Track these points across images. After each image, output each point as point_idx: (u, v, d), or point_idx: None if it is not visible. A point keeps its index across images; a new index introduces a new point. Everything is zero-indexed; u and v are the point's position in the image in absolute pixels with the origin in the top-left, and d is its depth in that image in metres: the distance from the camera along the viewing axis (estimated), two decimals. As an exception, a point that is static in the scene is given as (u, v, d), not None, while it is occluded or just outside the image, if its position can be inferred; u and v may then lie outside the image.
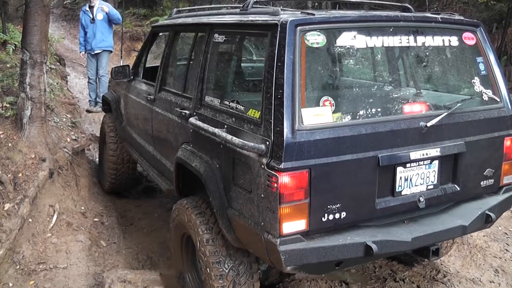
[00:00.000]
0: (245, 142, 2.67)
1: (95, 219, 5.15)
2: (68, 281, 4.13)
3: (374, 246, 2.65)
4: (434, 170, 3.02)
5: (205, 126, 3.11)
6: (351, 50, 2.94)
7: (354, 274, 4.19)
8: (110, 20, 8.07)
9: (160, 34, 5.00)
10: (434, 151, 2.95)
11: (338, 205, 2.66)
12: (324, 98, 2.65)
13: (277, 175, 2.47)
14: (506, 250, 4.55)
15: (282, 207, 2.50)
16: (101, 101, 7.93)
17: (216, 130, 2.95)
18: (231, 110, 3.02)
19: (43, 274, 4.15)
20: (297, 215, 2.55)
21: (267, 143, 2.56)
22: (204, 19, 3.71)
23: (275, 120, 2.54)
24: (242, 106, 2.94)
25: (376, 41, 2.89)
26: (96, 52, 8.01)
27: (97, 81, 8.14)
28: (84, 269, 4.31)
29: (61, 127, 5.75)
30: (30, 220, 4.51)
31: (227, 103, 3.10)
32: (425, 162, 2.96)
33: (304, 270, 2.75)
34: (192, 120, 3.29)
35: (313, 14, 2.75)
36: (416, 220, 3.01)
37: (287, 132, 2.49)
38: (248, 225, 2.77)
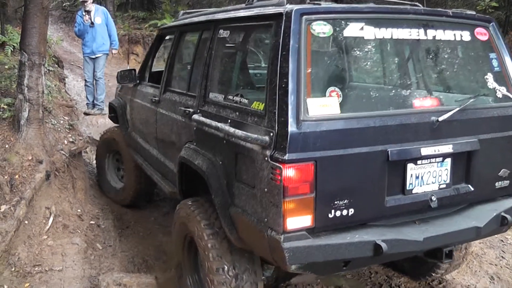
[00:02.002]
0: (248, 133, 2.56)
1: (91, 222, 5.06)
2: (63, 283, 4.05)
3: (383, 245, 2.51)
4: (447, 169, 2.88)
5: (208, 121, 3.03)
6: (359, 41, 2.84)
7: (350, 279, 4.10)
8: (107, 24, 8.05)
9: (167, 37, 4.93)
10: (446, 148, 2.81)
11: (345, 201, 2.52)
12: (331, 88, 2.53)
13: (281, 167, 2.34)
14: (502, 257, 4.49)
15: (286, 201, 2.36)
16: (99, 104, 7.99)
17: (219, 124, 2.86)
18: (235, 105, 2.92)
19: (39, 277, 4.08)
20: (302, 210, 2.42)
21: (271, 134, 2.44)
22: (209, 17, 3.65)
23: (279, 110, 2.42)
24: (246, 99, 2.85)
25: (385, 33, 2.78)
26: (97, 55, 7.95)
27: (94, 83, 8.07)
28: (79, 272, 4.23)
29: (59, 129, 5.67)
30: (26, 222, 4.44)
31: (231, 97, 3.01)
32: (437, 159, 2.84)
33: (310, 270, 2.59)
34: (195, 116, 3.20)
35: (319, 4, 2.66)
36: (427, 221, 2.87)
37: (291, 122, 2.37)
38: (251, 223, 2.64)
